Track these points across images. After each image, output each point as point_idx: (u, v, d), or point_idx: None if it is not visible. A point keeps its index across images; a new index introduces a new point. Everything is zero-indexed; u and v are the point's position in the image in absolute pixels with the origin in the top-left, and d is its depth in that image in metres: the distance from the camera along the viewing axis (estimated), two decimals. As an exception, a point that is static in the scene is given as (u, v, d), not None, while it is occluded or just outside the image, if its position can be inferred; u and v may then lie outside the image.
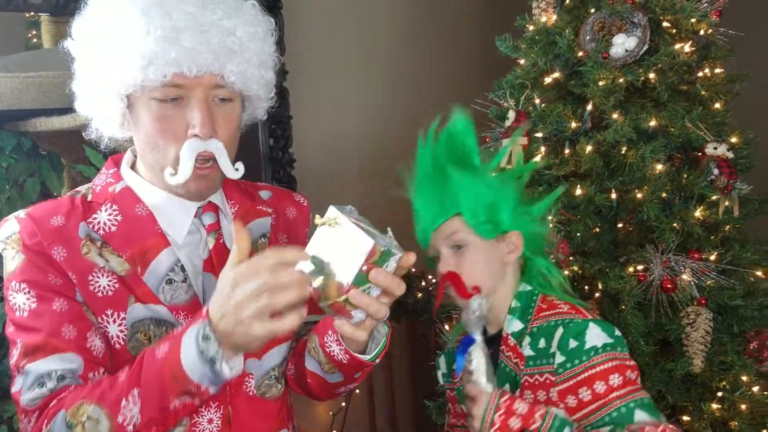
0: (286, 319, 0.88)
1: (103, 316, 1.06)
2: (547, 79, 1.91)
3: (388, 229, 1.07)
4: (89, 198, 1.11)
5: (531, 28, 1.95)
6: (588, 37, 1.81)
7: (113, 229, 1.09)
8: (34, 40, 2.32)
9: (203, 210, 1.15)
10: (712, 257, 1.75)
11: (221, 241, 1.15)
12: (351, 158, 3.07)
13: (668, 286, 1.71)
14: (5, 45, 2.12)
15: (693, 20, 1.78)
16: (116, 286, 1.07)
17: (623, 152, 1.78)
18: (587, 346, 1.21)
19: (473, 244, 1.31)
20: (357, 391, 3.09)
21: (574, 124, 1.85)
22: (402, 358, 3.34)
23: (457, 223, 1.32)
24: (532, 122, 1.88)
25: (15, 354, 1.04)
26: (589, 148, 1.80)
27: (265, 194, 1.28)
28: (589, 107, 1.83)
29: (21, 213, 1.10)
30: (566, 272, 1.79)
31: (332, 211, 0.97)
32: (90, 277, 1.06)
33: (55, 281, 1.05)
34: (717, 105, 1.83)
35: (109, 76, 1.02)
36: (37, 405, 1.00)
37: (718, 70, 1.87)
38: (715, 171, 1.71)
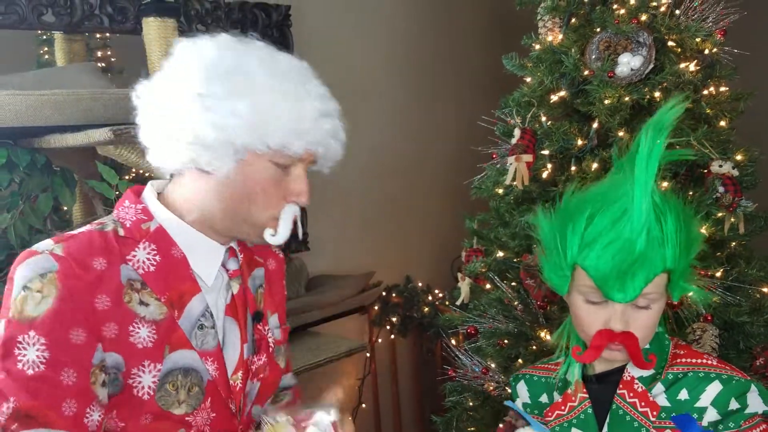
0: None
1: (140, 366, 1.02)
2: (554, 97, 1.93)
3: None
4: (121, 233, 1.07)
5: (537, 47, 1.97)
6: (594, 56, 1.83)
7: (152, 269, 1.06)
8: (46, 57, 2.35)
9: (229, 255, 1.16)
10: (718, 274, 1.76)
11: (243, 287, 1.18)
12: (358, 173, 3.09)
13: (674, 302, 1.72)
14: (18, 62, 2.16)
15: (698, 39, 1.80)
16: (155, 337, 1.04)
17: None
18: (748, 410, 1.11)
19: (659, 305, 1.15)
20: (363, 405, 3.09)
21: (580, 142, 1.87)
22: (408, 372, 3.35)
23: (663, 280, 1.13)
24: (539, 140, 1.90)
25: (3, 406, 0.94)
26: (595, 165, 1.81)
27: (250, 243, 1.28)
28: (595, 125, 1.85)
29: (56, 249, 1.00)
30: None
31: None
32: (131, 328, 1.02)
33: (77, 339, 0.98)
34: (722, 123, 1.84)
35: (242, 133, 1.01)
36: None
37: (723, 89, 1.89)
38: (721, 188, 1.72)
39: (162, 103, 1.05)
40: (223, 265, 1.15)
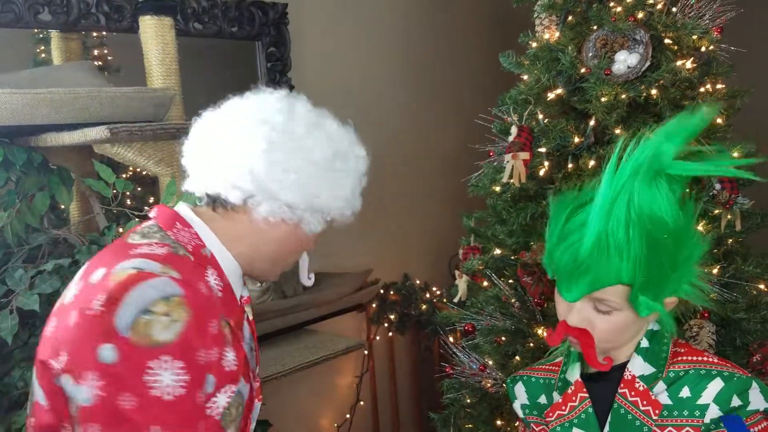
0: None
1: (222, 389, 1.01)
2: (550, 95, 1.93)
3: None
4: (191, 259, 1.05)
5: (534, 44, 1.97)
6: (590, 54, 1.83)
7: (220, 294, 1.06)
8: (43, 56, 2.35)
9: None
10: (715, 271, 1.76)
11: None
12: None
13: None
14: (14, 61, 2.15)
15: (694, 37, 1.80)
16: (236, 362, 1.03)
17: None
18: (750, 407, 1.11)
19: (625, 314, 1.14)
20: (361, 402, 3.10)
21: (577, 139, 1.87)
22: (406, 370, 3.35)
23: (618, 292, 1.12)
24: (536, 137, 1.90)
25: None
26: (592, 163, 1.82)
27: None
28: (592, 123, 1.85)
29: (169, 270, 0.98)
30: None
31: None
32: (225, 352, 1.01)
33: (202, 360, 0.96)
34: (718, 120, 1.85)
35: (309, 206, 1.10)
36: None
37: (719, 86, 1.89)
38: (717, 186, 1.73)
39: (287, 163, 1.07)
40: None
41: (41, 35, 2.27)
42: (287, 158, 1.06)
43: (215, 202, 1.11)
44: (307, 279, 1.27)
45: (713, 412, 1.12)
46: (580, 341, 1.15)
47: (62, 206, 2.02)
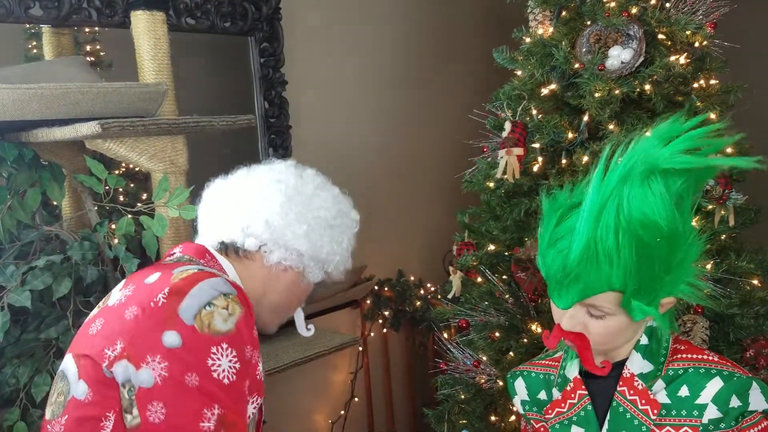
0: None
1: (251, 398, 1.09)
2: (544, 91, 1.93)
3: None
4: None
5: (528, 40, 1.97)
6: (584, 49, 1.83)
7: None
8: (34, 51, 2.33)
9: None
10: (708, 266, 1.76)
11: None
12: (350, 168, 3.08)
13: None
14: (5, 56, 2.14)
15: (688, 32, 1.80)
16: (263, 373, 1.13)
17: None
18: (750, 408, 1.10)
19: (618, 319, 1.13)
20: (356, 399, 3.10)
21: (570, 135, 1.87)
22: (401, 366, 3.35)
23: (610, 298, 1.11)
24: (530, 133, 1.90)
25: (205, 413, 0.99)
26: (585, 158, 1.82)
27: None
28: (586, 118, 1.85)
29: (223, 276, 1.13)
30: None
31: None
32: (260, 359, 1.12)
33: (248, 355, 1.07)
34: (712, 116, 1.85)
35: (314, 257, 1.24)
36: None
37: (713, 82, 1.89)
38: (711, 181, 1.73)
39: (275, 198, 1.22)
40: None
41: (32, 30, 2.26)
42: (300, 212, 1.22)
43: (228, 248, 1.24)
44: (305, 330, 1.36)
45: (712, 412, 1.10)
46: (577, 345, 1.15)
47: (54, 202, 2.01)
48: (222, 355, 1.02)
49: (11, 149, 1.77)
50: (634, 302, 1.09)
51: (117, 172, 2.23)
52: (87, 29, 2.29)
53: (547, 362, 1.35)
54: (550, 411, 1.26)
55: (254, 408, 1.10)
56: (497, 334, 2.00)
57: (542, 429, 1.30)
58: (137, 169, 2.18)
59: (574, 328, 1.14)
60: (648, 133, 1.11)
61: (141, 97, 1.77)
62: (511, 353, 1.96)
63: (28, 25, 2.15)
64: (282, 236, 1.21)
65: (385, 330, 3.20)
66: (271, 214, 1.20)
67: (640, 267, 1.06)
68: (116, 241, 1.76)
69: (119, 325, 1.05)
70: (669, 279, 1.10)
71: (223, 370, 1.01)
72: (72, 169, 1.90)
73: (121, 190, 2.09)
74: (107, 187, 1.73)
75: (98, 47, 2.37)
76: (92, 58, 2.35)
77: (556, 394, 1.27)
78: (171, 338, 1.01)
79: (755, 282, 1.82)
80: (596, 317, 1.13)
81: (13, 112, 1.60)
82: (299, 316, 1.34)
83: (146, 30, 1.88)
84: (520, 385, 1.36)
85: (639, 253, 1.05)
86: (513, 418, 1.99)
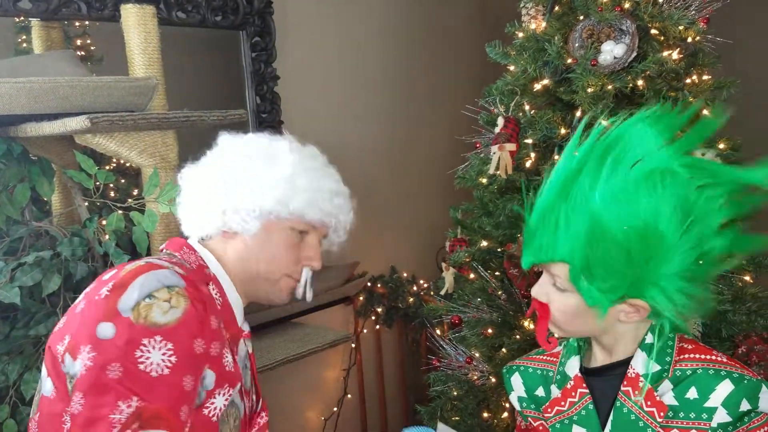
0: None
1: (219, 389, 1.09)
2: (537, 86, 1.92)
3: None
4: (187, 274, 1.13)
5: (520, 35, 1.97)
6: (577, 45, 1.82)
7: (219, 307, 1.16)
8: (24, 45, 2.31)
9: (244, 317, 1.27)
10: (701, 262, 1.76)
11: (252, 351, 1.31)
12: (343, 163, 3.07)
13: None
14: (-5, 50, 2.12)
15: (681, 28, 1.79)
16: (233, 364, 1.13)
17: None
18: (759, 409, 1.08)
19: (576, 297, 1.12)
20: (349, 396, 3.09)
21: (563, 131, 1.87)
22: (394, 362, 3.35)
23: (564, 271, 1.11)
24: (522, 128, 1.89)
25: (119, 406, 0.96)
26: (578, 154, 1.81)
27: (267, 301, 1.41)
28: (578, 113, 1.84)
29: (175, 268, 1.10)
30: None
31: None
32: (224, 351, 1.11)
33: (199, 348, 1.04)
34: (705, 111, 1.84)
35: (271, 200, 1.19)
36: None
37: (705, 77, 1.89)
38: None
39: (207, 180, 1.21)
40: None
41: (22, 24, 2.24)
42: (239, 172, 1.20)
43: (205, 237, 1.24)
44: (303, 293, 1.30)
45: (721, 415, 1.08)
46: (537, 312, 1.17)
47: (43, 198, 1.99)
48: (153, 348, 0.99)
49: (0, 144, 1.76)
50: (585, 283, 1.07)
51: (107, 167, 2.22)
52: (77, 23, 2.28)
53: (544, 357, 1.32)
54: (549, 410, 1.24)
55: (225, 399, 1.09)
56: (490, 330, 1.99)
57: (541, 427, 1.27)
58: (128, 164, 2.17)
59: (540, 296, 1.16)
60: (638, 118, 1.11)
61: (131, 91, 1.75)
62: (503, 350, 1.96)
63: (17, 19, 2.13)
64: (238, 203, 1.19)
65: (378, 326, 3.20)
66: (219, 192, 1.20)
67: (592, 246, 1.05)
68: (106, 237, 1.75)
69: (71, 319, 1.07)
70: (632, 273, 1.06)
71: (152, 363, 0.99)
72: (62, 164, 1.88)
73: (111, 185, 2.07)
74: (97, 183, 1.72)
75: (88, 41, 2.35)
76: (82, 52, 2.33)
77: (555, 391, 1.25)
78: (104, 329, 1.00)
79: (747, 278, 1.82)
80: (559, 290, 1.13)
81: (1, 106, 1.59)
82: (305, 276, 1.29)
83: (136, 24, 1.86)
84: (516, 380, 1.33)
85: (593, 231, 1.05)
86: (506, 414, 1.99)
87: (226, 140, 1.27)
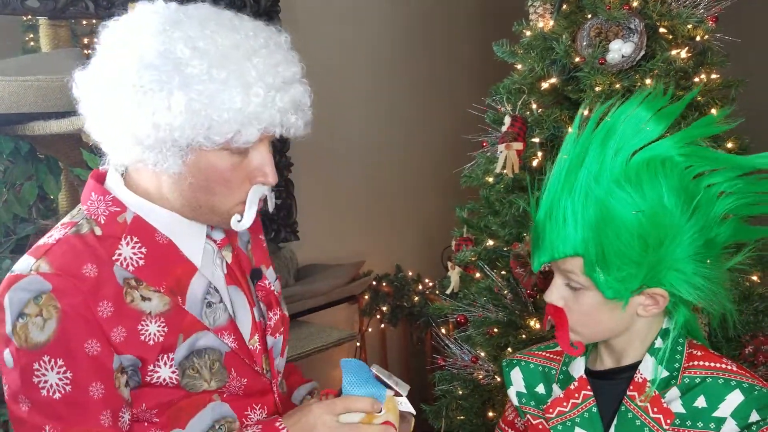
0: None
1: (156, 362, 1.01)
2: (544, 84, 1.92)
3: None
4: (99, 233, 1.01)
5: (528, 33, 1.96)
6: (585, 43, 1.82)
7: (141, 263, 1.02)
8: (32, 44, 2.32)
9: (212, 227, 1.12)
10: (708, 262, 1.75)
11: (235, 253, 1.16)
12: (348, 162, 3.07)
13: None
14: (2, 49, 2.13)
15: (689, 26, 1.79)
16: (165, 329, 1.01)
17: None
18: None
19: (594, 295, 1.09)
20: (353, 394, 3.09)
21: (570, 130, 1.86)
22: (399, 361, 3.34)
23: (578, 264, 1.08)
24: (529, 127, 1.89)
25: None
26: (585, 153, 1.81)
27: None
28: (586, 112, 1.84)
29: (41, 266, 0.95)
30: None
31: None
32: (140, 327, 0.99)
33: (93, 350, 0.95)
34: (713, 111, 1.84)
35: (182, 130, 0.93)
36: None
37: (714, 76, 1.88)
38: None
39: (99, 95, 0.97)
40: (209, 236, 1.12)
41: (30, 23, 2.24)
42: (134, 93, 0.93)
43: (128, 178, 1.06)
44: (249, 217, 1.05)
45: (730, 426, 1.06)
46: (554, 319, 1.13)
47: (50, 196, 2.00)
48: (47, 369, 0.92)
49: (7, 142, 1.77)
50: (601, 275, 1.05)
51: (114, 165, 2.22)
52: (84, 21, 2.28)
53: (546, 354, 1.30)
54: (551, 410, 1.22)
55: (170, 367, 1.01)
56: (495, 329, 1.99)
57: (540, 426, 1.25)
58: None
59: (557, 301, 1.13)
60: (632, 103, 1.10)
61: (138, 89, 1.75)
62: (509, 349, 1.95)
63: (25, 17, 2.13)
64: (123, 135, 0.96)
65: (383, 325, 3.20)
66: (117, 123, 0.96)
67: (603, 233, 1.04)
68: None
69: None
70: (647, 259, 1.05)
71: (52, 386, 0.93)
72: (69, 162, 1.89)
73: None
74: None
75: (95, 40, 2.35)
76: (89, 51, 2.34)
77: (557, 390, 1.23)
78: (6, 358, 0.95)
79: (755, 278, 1.81)
80: (574, 290, 1.11)
81: (9, 104, 1.59)
82: (253, 197, 1.05)
83: (143, 22, 1.86)
84: (516, 375, 1.30)
85: (603, 219, 1.03)
86: (508, 405, 1.98)
87: (118, 31, 1.00)
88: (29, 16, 2.13)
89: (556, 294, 1.13)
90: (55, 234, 1.02)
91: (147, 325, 1.00)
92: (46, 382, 0.93)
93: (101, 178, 1.08)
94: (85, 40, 2.40)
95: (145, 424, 1.04)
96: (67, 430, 0.94)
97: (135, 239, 1.02)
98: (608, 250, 1.04)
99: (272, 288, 1.21)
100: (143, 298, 1.01)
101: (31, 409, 0.93)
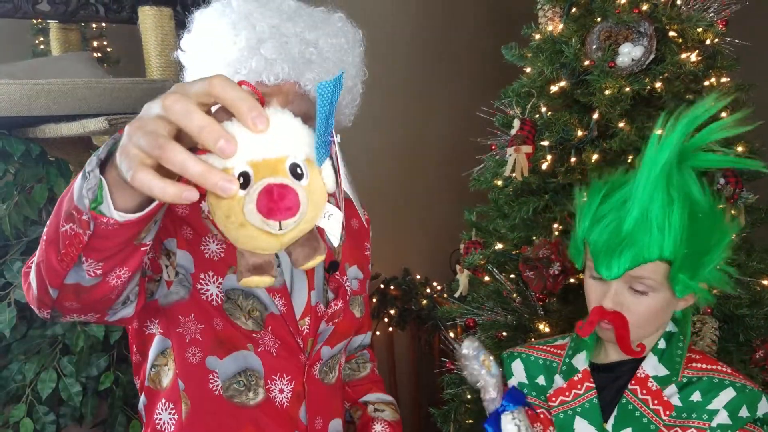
0: (174, 187, 0.61)
1: (206, 274, 1.09)
2: (554, 88, 1.92)
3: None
4: None
5: (537, 36, 1.96)
6: (594, 46, 1.81)
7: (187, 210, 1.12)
8: (42, 47, 2.33)
9: None
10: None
11: None
12: (356, 166, 3.07)
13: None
14: (13, 52, 2.14)
15: (699, 30, 1.78)
16: (222, 254, 1.10)
17: (629, 161, 1.79)
18: (757, 415, 1.15)
19: (661, 295, 1.15)
20: (361, 398, 3.09)
21: (580, 133, 1.86)
22: (407, 364, 3.34)
23: (658, 269, 1.13)
24: (539, 131, 1.88)
25: None
26: (595, 156, 1.80)
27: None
28: (596, 116, 1.83)
29: None
30: (571, 279, 1.80)
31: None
32: (203, 239, 1.09)
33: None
34: (723, 114, 1.83)
35: None
36: None
37: (724, 80, 1.87)
38: (721, 180, 1.71)
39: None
40: None
41: (40, 26, 2.26)
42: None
43: None
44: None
45: (722, 417, 1.14)
46: (615, 325, 1.15)
47: (61, 198, 2.01)
48: None
49: (18, 145, 1.78)
50: (680, 275, 1.11)
51: (124, 168, 2.23)
52: (94, 25, 2.30)
53: (548, 348, 1.35)
54: (554, 399, 1.27)
55: (218, 288, 1.09)
56: (504, 333, 1.98)
57: (542, 415, 1.29)
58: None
59: (615, 307, 1.16)
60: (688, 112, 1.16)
61: (148, 93, 1.76)
62: (518, 352, 1.95)
63: (35, 21, 2.15)
64: None
65: (390, 329, 3.20)
66: None
67: (690, 237, 1.09)
68: (123, 237, 1.75)
69: None
70: (707, 260, 1.12)
71: None
72: (79, 165, 1.90)
73: (127, 186, 2.08)
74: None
75: (105, 43, 2.37)
76: (99, 54, 2.35)
77: (560, 381, 1.27)
78: None
79: (765, 282, 1.80)
80: (639, 293, 1.14)
81: (20, 107, 1.60)
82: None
83: (153, 26, 1.88)
84: (518, 366, 1.35)
85: (689, 224, 1.09)
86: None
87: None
88: (39, 20, 2.14)
89: (615, 300, 1.16)
90: None
91: (209, 242, 1.10)
92: None
93: None
94: (95, 43, 2.41)
95: (188, 339, 1.10)
96: None
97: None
98: (693, 253, 1.10)
99: (345, 284, 1.26)
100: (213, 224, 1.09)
101: None
